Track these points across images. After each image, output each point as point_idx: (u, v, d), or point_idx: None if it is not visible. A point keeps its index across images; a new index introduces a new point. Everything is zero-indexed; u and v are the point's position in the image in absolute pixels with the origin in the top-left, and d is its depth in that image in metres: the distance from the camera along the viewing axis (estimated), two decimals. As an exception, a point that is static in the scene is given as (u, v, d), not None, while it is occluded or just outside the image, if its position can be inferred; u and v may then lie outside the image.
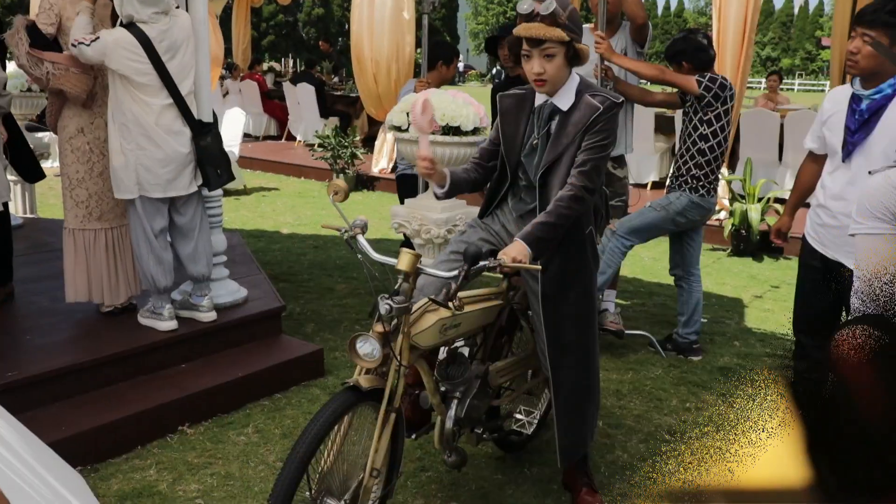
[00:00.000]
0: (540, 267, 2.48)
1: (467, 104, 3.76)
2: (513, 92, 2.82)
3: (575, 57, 2.59)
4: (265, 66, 18.88)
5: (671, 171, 4.41)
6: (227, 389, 3.68)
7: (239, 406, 3.71)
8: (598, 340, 3.03)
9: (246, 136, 13.22)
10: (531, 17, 2.50)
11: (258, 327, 4.18)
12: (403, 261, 2.38)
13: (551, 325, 2.76)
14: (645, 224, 4.34)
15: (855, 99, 2.89)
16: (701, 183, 4.20)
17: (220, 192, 4.09)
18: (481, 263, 2.38)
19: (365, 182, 10.05)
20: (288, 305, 5.08)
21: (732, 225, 7.02)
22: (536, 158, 2.71)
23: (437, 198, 2.84)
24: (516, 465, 3.28)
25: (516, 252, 2.45)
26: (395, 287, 2.38)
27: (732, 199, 7.30)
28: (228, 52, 17.60)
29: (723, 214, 7.39)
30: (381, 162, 10.07)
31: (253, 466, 3.20)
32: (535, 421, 3.14)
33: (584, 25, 4.46)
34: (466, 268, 2.35)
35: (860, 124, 2.85)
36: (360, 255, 2.51)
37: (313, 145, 10.08)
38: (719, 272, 6.57)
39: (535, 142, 2.72)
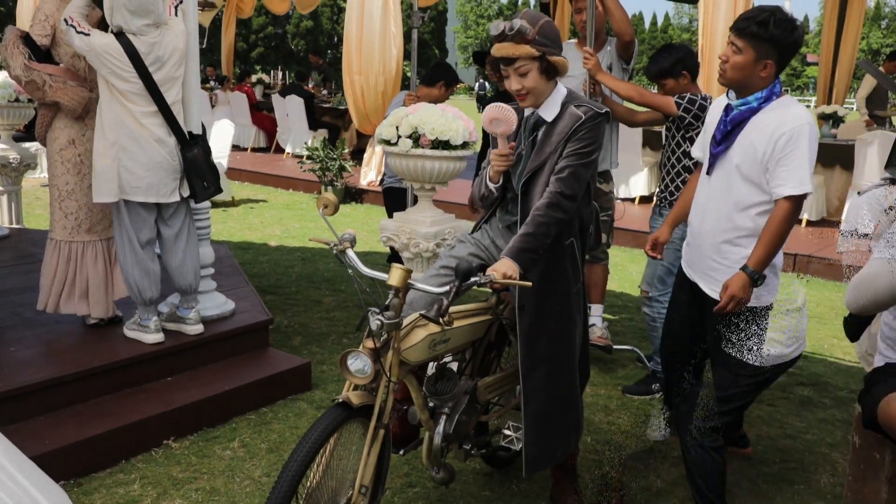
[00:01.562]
0: (530, 283, 2.46)
1: (457, 118, 3.75)
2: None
3: (551, 69, 2.60)
4: (254, 77, 18.83)
5: (658, 189, 4.37)
6: (214, 403, 3.64)
7: (225, 420, 3.67)
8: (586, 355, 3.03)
9: (234, 147, 13.19)
10: (502, 37, 2.57)
11: (245, 340, 4.14)
12: (394, 276, 2.36)
13: (525, 336, 2.75)
14: (669, 265, 3.98)
15: (726, 109, 2.77)
16: None
17: (207, 204, 4.06)
18: (472, 279, 2.38)
19: (353, 195, 10.03)
20: (275, 318, 5.04)
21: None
22: (520, 168, 2.73)
23: (493, 193, 2.83)
24: (504, 480, 3.26)
25: (505, 268, 2.45)
26: (385, 302, 2.36)
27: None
28: (217, 63, 17.62)
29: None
30: (369, 175, 10.06)
31: (238, 482, 3.16)
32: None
33: (570, 41, 4.52)
34: (458, 284, 2.35)
35: (724, 136, 2.75)
36: (349, 269, 2.48)
37: (302, 157, 10.05)
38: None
39: (521, 152, 2.74)
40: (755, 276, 2.58)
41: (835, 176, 8.58)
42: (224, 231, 7.84)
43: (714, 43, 6.77)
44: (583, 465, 3.33)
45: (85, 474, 3.18)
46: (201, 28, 20.48)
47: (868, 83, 10.21)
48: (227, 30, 16.19)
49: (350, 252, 2.50)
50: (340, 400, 2.32)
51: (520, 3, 45.88)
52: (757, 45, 2.58)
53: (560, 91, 2.70)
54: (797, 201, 2.59)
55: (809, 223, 8.38)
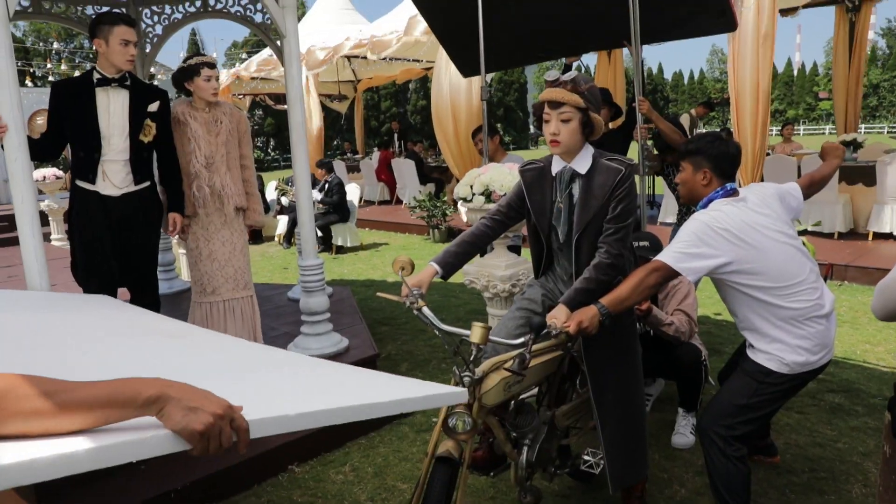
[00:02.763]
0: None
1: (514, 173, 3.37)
2: (531, 166, 2.42)
3: (588, 125, 2.20)
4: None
5: (686, 216, 4.13)
6: (330, 430, 3.28)
7: (340, 445, 3.31)
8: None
9: (367, 201, 13.17)
10: (556, 83, 2.20)
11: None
12: (476, 334, 2.02)
13: (593, 372, 2.37)
14: None
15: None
16: None
17: (320, 260, 3.75)
18: (544, 332, 2.07)
19: (455, 234, 9.67)
20: (386, 347, 4.71)
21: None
22: (564, 220, 2.32)
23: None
24: (589, 493, 2.73)
25: (564, 316, 2.13)
26: (471, 357, 2.02)
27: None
28: (352, 138, 17.83)
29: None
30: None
31: (347, 506, 2.78)
32: (602, 462, 2.61)
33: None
34: (533, 337, 2.01)
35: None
36: (427, 324, 2.16)
37: (414, 207, 9.80)
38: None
39: (559, 205, 2.32)
40: (604, 312, 2.11)
41: (859, 193, 7.72)
42: (354, 271, 7.63)
43: (744, 90, 6.22)
44: (652, 484, 2.76)
45: (224, 498, 2.89)
46: (336, 114, 20.96)
47: None
48: (358, 114, 16.34)
49: (425, 309, 2.18)
50: (444, 456, 2.00)
51: (583, 70, 44.88)
52: (691, 160, 2.42)
53: (588, 148, 2.29)
54: (662, 267, 2.19)
55: (840, 235, 7.41)
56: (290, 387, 1.35)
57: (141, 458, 0.93)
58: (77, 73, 3.70)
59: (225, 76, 12.16)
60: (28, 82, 18.10)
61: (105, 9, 4.33)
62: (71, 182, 3.27)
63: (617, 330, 2.31)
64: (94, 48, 3.19)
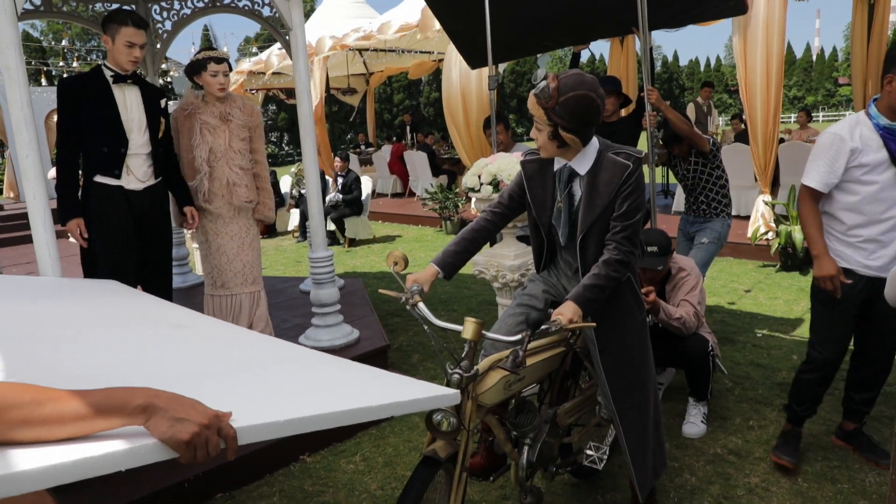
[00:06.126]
0: (594, 324, 1.99)
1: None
2: (533, 157, 2.31)
3: (557, 137, 2.07)
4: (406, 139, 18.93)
5: (694, 206, 4.16)
6: (341, 421, 3.32)
7: (351, 435, 3.34)
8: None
9: (379, 194, 13.19)
10: (534, 88, 2.07)
11: (367, 363, 3.80)
12: (468, 329, 1.94)
13: (609, 375, 2.26)
14: (708, 259, 4.02)
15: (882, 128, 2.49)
16: (729, 208, 4.10)
17: (330, 252, 3.77)
18: (542, 327, 1.94)
19: (467, 225, 9.63)
20: (398, 338, 4.73)
21: (779, 244, 6.14)
22: (564, 222, 2.22)
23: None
24: (590, 492, 2.73)
25: (571, 313, 2.00)
26: (462, 354, 1.94)
27: (777, 222, 6.40)
28: (365, 131, 17.82)
29: (770, 235, 6.49)
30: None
31: (357, 495, 2.80)
32: (605, 456, 2.59)
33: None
34: (530, 333, 1.91)
35: None
36: (420, 320, 2.09)
37: (426, 199, 9.79)
38: (771, 287, 5.71)
39: (559, 205, 2.22)
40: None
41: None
42: (366, 264, 7.66)
43: (754, 76, 6.09)
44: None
45: (237, 487, 2.93)
46: (351, 107, 20.96)
47: None
48: (370, 108, 16.33)
49: (421, 305, 2.10)
50: (428, 455, 1.91)
51: (596, 61, 44.23)
52: None
53: (593, 144, 2.15)
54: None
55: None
56: (282, 387, 1.36)
57: (129, 467, 0.95)
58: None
59: (237, 76, 12.18)
60: (44, 81, 18.30)
61: (115, 6, 4.37)
62: (86, 179, 3.24)
63: (627, 330, 2.26)
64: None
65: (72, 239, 3.13)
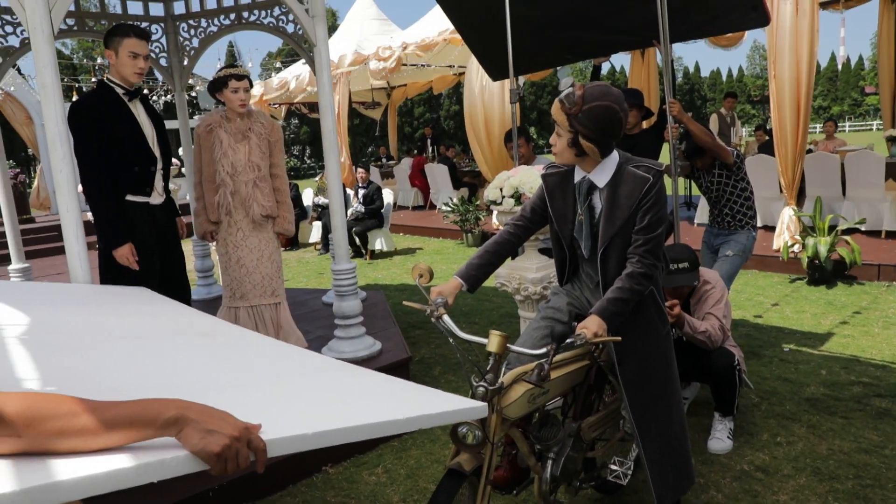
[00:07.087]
0: (619, 338, 1.99)
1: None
2: (555, 170, 2.33)
3: (576, 145, 2.10)
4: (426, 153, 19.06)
5: (718, 218, 4.13)
6: (363, 432, 3.33)
7: (373, 447, 3.34)
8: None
9: (400, 207, 13.27)
10: (560, 95, 2.13)
11: (389, 375, 3.82)
12: (493, 342, 1.96)
13: (630, 388, 2.25)
14: (733, 272, 3.99)
15: None
16: (755, 220, 4.07)
17: (353, 264, 3.80)
18: (567, 341, 1.96)
19: (488, 238, 9.63)
20: (420, 351, 4.74)
21: (808, 257, 6.04)
22: (586, 235, 2.23)
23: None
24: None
25: (596, 327, 2.02)
26: (487, 367, 1.95)
27: (804, 234, 6.30)
28: (386, 144, 17.98)
29: (796, 247, 6.39)
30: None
31: (379, 507, 2.81)
32: (630, 471, 2.57)
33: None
34: (555, 346, 1.93)
35: None
36: (444, 332, 2.10)
37: (447, 212, 9.83)
38: (798, 300, 5.61)
39: (580, 218, 2.24)
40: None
41: (904, 190, 7.45)
42: (388, 276, 7.69)
43: (783, 87, 6.06)
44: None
45: (260, 497, 2.95)
46: (372, 121, 21.15)
47: None
48: (392, 121, 16.48)
49: (445, 317, 2.12)
50: (453, 468, 1.92)
51: (617, 73, 44.15)
52: None
53: (612, 157, 2.17)
54: None
55: (888, 234, 7.13)
56: (310, 398, 1.37)
57: (161, 479, 0.96)
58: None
59: (259, 87, 12.39)
60: (75, 97, 18.79)
61: (144, 24, 4.49)
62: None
63: (648, 343, 2.25)
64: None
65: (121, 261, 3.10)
